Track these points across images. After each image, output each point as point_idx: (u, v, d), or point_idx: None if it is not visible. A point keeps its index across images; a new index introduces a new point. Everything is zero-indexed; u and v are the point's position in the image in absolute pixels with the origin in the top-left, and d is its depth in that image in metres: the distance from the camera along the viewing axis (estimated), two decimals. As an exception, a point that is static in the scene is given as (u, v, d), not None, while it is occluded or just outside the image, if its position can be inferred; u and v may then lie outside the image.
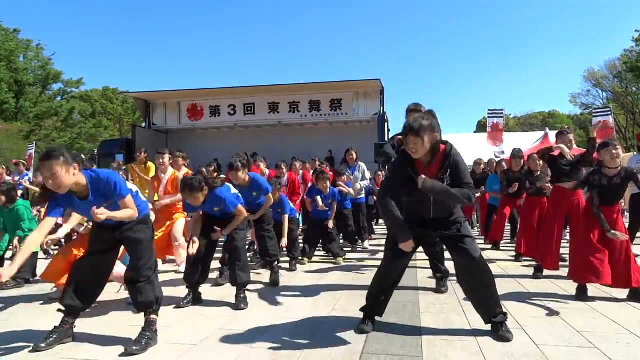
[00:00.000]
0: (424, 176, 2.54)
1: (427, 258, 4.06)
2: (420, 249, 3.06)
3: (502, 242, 6.89)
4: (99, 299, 3.61)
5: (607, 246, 3.62)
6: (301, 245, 5.60)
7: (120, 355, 2.44)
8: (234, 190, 3.76)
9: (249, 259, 3.92)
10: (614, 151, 3.57)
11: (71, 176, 2.35)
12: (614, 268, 3.56)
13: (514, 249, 5.84)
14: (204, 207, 3.58)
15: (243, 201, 3.79)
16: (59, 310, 2.70)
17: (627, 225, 4.62)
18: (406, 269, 2.88)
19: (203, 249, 3.56)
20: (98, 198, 2.48)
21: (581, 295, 3.58)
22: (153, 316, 2.66)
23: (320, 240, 5.75)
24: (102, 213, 2.37)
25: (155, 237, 4.81)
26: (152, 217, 4.69)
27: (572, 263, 3.77)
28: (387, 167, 8.81)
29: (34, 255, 4.57)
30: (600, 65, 34.43)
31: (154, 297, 2.66)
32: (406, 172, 2.65)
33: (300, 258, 5.37)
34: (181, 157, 5.25)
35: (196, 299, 3.56)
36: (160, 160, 5.05)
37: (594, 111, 15.91)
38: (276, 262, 4.33)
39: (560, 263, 4.89)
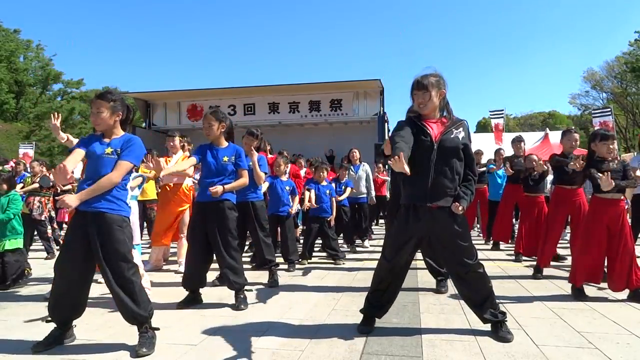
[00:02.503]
0: (459, 206, 2.54)
1: (425, 264, 4.04)
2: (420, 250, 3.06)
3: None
4: (98, 299, 3.64)
5: (611, 247, 3.61)
6: (299, 248, 5.59)
7: (130, 357, 2.44)
8: None
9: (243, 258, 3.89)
10: (611, 146, 3.59)
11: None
12: (616, 269, 3.55)
13: (513, 249, 5.85)
14: (212, 154, 3.49)
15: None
16: (49, 320, 2.61)
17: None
18: (405, 272, 2.84)
19: (200, 256, 3.51)
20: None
21: (579, 295, 3.58)
22: (147, 327, 2.58)
23: (320, 240, 5.76)
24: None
25: (162, 220, 5.00)
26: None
27: (572, 267, 3.75)
28: (387, 166, 8.89)
29: (22, 254, 4.54)
30: (599, 66, 34.49)
31: (146, 314, 2.53)
32: (414, 124, 2.60)
33: (299, 260, 5.36)
34: (186, 142, 5.40)
35: (195, 300, 3.55)
36: (171, 143, 5.16)
37: (593, 112, 15.97)
38: (273, 266, 4.31)
39: (558, 263, 4.91)
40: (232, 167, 3.54)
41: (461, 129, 2.62)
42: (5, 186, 4.48)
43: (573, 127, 5.05)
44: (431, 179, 2.55)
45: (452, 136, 2.58)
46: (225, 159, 3.49)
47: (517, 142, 6.48)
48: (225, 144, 3.62)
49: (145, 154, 2.85)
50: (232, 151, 3.58)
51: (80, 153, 2.58)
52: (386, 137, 13.03)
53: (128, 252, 2.55)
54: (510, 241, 6.57)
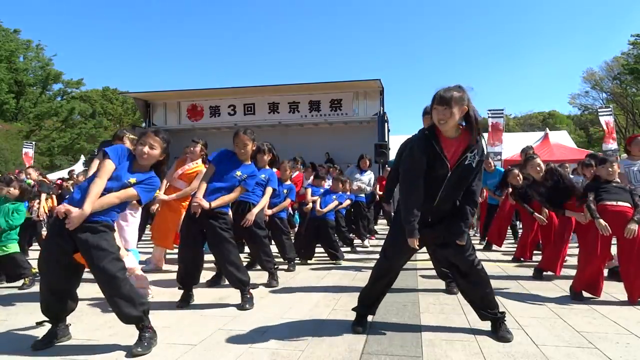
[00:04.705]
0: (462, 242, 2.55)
1: (434, 267, 4.04)
2: (422, 250, 3.05)
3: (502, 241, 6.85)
4: (98, 299, 3.63)
5: (623, 256, 3.56)
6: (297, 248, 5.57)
7: (126, 356, 2.43)
8: None
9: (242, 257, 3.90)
10: (610, 169, 3.69)
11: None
12: (630, 278, 3.48)
13: (513, 249, 5.85)
14: (228, 168, 3.47)
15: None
16: (41, 322, 2.62)
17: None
18: (401, 268, 2.86)
19: (194, 250, 3.52)
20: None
21: (576, 296, 3.58)
22: (144, 325, 2.57)
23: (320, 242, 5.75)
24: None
25: (161, 221, 4.97)
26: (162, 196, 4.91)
27: (576, 274, 3.70)
28: (386, 166, 8.91)
29: (19, 254, 4.53)
30: (599, 66, 34.52)
31: (140, 312, 2.51)
32: (431, 149, 2.50)
33: (298, 260, 5.36)
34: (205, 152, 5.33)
35: (189, 298, 3.55)
36: (192, 149, 5.07)
37: (599, 110, 16.54)
38: (273, 266, 4.32)
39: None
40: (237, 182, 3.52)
41: (476, 150, 2.51)
42: (17, 192, 4.48)
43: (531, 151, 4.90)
44: (437, 202, 2.58)
45: (466, 162, 2.49)
46: (238, 173, 3.50)
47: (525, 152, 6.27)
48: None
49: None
50: (245, 169, 3.55)
51: (110, 168, 2.55)
52: (386, 137, 13.07)
53: (115, 250, 2.54)
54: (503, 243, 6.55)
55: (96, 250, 2.46)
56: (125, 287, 2.49)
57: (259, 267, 4.68)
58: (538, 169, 4.31)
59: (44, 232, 6.55)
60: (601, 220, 3.49)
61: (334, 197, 5.82)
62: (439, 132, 2.53)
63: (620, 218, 3.52)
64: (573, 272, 3.80)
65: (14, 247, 4.48)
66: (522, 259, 5.42)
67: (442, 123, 2.47)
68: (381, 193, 7.89)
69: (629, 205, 3.56)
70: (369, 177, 7.51)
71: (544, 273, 4.46)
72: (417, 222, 2.53)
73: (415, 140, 2.63)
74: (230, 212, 3.63)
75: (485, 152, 2.59)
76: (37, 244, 6.54)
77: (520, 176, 5.23)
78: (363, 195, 7.30)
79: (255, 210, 4.20)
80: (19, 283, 4.38)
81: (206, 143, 5.32)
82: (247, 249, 5.67)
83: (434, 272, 4.24)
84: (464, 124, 2.55)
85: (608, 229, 3.46)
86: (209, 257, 3.75)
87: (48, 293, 2.56)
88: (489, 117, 13.53)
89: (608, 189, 3.66)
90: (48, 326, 2.64)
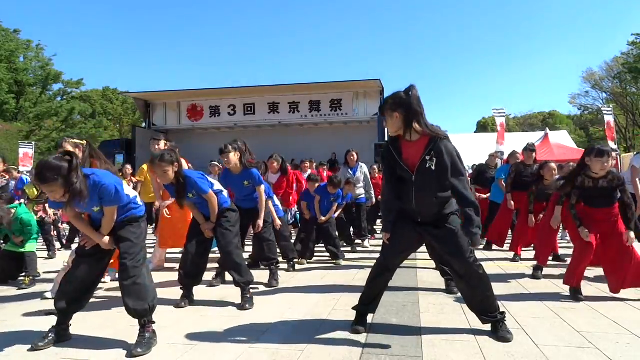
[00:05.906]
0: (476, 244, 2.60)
1: (434, 263, 4.04)
2: (423, 249, 3.06)
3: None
4: (98, 299, 3.64)
5: (606, 249, 3.61)
6: (298, 247, 5.57)
7: (126, 357, 2.44)
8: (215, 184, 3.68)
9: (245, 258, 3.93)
10: (605, 164, 3.49)
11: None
12: (620, 270, 3.53)
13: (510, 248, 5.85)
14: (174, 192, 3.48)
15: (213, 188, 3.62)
16: (50, 313, 2.68)
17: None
18: (398, 267, 2.87)
19: (197, 252, 3.56)
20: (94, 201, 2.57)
21: (576, 295, 3.58)
22: (147, 320, 2.61)
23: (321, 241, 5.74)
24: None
25: (165, 228, 4.97)
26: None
27: (569, 270, 3.73)
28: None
29: (34, 254, 4.66)
30: (599, 66, 34.53)
31: (147, 306, 2.58)
32: (389, 153, 2.64)
33: (298, 259, 5.36)
34: (172, 147, 5.34)
35: (190, 299, 3.55)
36: (156, 147, 5.04)
37: (602, 108, 16.76)
38: (274, 265, 4.33)
39: (558, 263, 4.93)
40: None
41: (433, 153, 2.51)
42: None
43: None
44: (415, 204, 2.62)
45: (427, 166, 2.54)
46: (190, 195, 3.48)
47: (528, 151, 6.06)
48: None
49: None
50: (190, 186, 3.48)
51: (75, 214, 2.66)
52: (386, 137, 13.05)
53: (140, 242, 2.70)
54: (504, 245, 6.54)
55: (123, 240, 2.65)
56: (141, 278, 2.60)
57: (260, 268, 4.69)
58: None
59: (54, 232, 6.71)
60: (583, 228, 3.59)
61: (332, 198, 5.80)
62: (401, 136, 2.63)
63: (606, 220, 3.62)
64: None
65: (30, 247, 4.64)
66: (518, 255, 5.45)
67: (387, 127, 2.67)
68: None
69: (614, 204, 3.61)
70: (363, 173, 7.06)
71: (544, 272, 4.46)
72: (409, 221, 2.66)
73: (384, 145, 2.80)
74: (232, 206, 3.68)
75: (445, 153, 2.52)
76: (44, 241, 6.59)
77: (556, 171, 5.12)
78: (363, 195, 7.22)
79: (262, 216, 4.23)
80: (19, 284, 4.40)
81: (168, 139, 5.34)
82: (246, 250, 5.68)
83: (434, 272, 4.25)
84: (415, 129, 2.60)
85: (588, 236, 3.56)
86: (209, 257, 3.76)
87: (71, 288, 2.64)
88: (494, 115, 13.54)
89: (596, 194, 3.61)
90: (48, 326, 2.66)
